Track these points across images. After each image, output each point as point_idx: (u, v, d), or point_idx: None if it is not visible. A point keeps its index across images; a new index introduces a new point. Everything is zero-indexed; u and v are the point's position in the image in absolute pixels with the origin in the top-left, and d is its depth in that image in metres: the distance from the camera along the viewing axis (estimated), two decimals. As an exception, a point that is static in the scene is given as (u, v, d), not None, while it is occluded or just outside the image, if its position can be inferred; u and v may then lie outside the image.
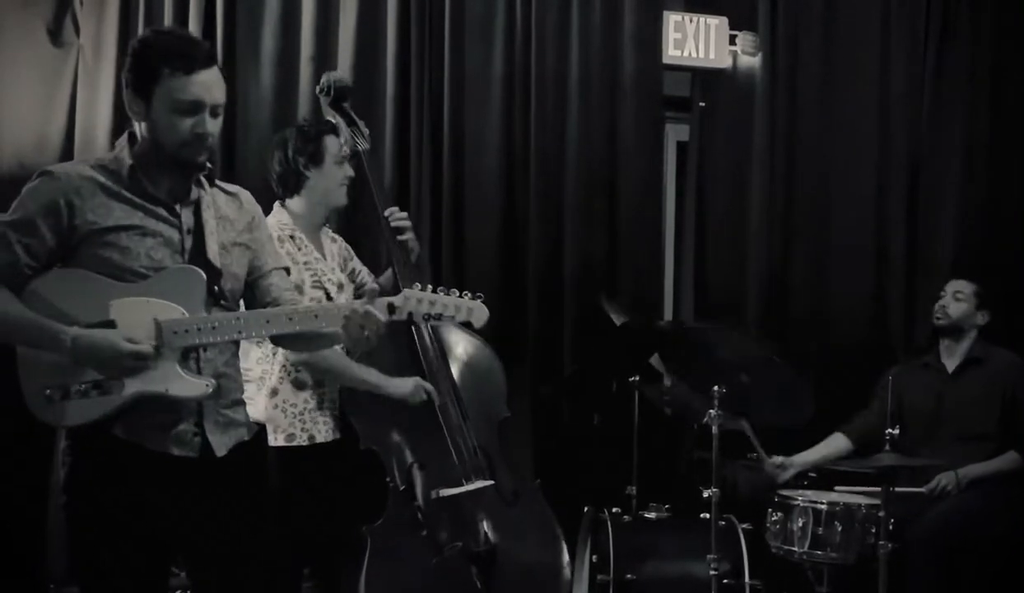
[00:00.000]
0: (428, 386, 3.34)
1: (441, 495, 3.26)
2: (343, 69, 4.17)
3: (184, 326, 2.21)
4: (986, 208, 4.99)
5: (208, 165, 2.35)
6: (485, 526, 3.32)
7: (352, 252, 3.57)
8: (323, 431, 3.27)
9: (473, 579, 3.22)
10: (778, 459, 4.12)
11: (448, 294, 2.29)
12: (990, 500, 3.94)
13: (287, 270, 2.58)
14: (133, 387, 2.21)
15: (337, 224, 4.09)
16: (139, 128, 2.30)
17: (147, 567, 2.29)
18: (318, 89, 3.48)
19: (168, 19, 4.08)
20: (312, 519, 3.16)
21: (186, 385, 2.24)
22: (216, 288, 2.30)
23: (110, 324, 2.18)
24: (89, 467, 2.27)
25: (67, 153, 4.01)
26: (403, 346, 3.38)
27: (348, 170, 3.36)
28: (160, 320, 2.20)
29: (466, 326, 2.38)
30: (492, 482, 3.33)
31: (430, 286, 2.31)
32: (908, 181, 4.95)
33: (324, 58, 4.21)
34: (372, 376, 3.27)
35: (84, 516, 2.27)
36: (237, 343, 2.47)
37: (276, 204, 3.33)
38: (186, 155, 2.26)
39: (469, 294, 2.32)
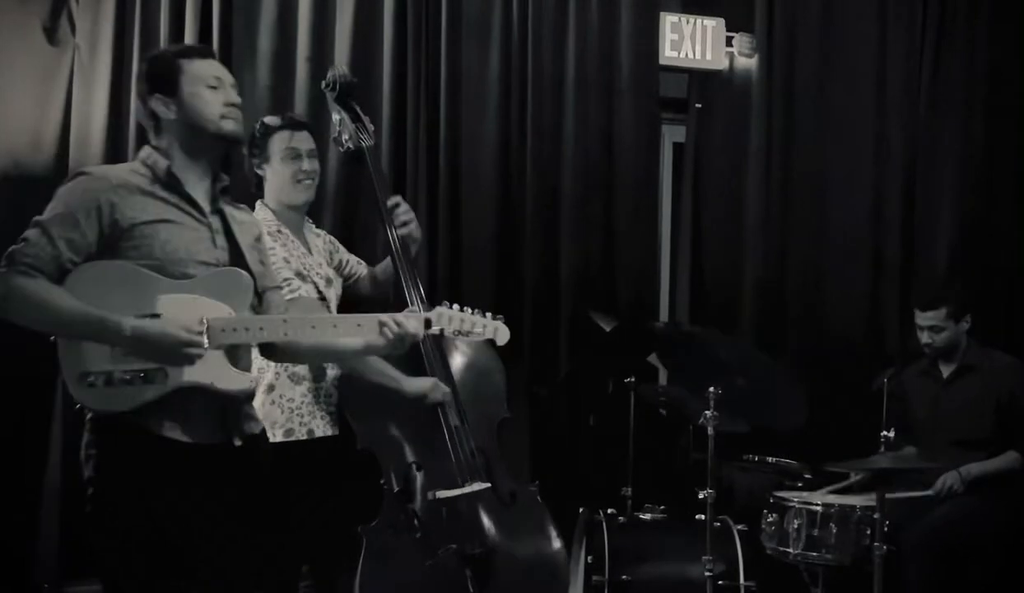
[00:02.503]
0: (446, 388, 3.33)
1: (438, 497, 3.25)
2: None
3: (232, 325, 2.34)
4: (982, 210, 4.99)
5: (226, 178, 2.55)
6: (481, 528, 3.31)
7: (338, 244, 3.56)
8: (321, 425, 3.27)
9: (467, 582, 3.21)
10: None
11: (475, 314, 2.52)
12: (985, 501, 3.94)
13: (279, 288, 2.71)
14: (180, 378, 2.30)
15: (337, 218, 4.11)
16: (160, 137, 2.47)
17: (171, 555, 2.36)
18: (323, 84, 3.47)
19: (164, 18, 4.07)
20: (312, 516, 3.15)
21: (233, 379, 2.38)
22: (258, 292, 2.47)
23: (157, 317, 2.29)
24: (114, 459, 2.35)
25: (62, 152, 4.00)
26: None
27: (304, 164, 3.32)
28: (209, 318, 2.31)
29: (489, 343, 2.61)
30: (489, 485, 3.32)
31: (456, 305, 2.51)
32: (904, 183, 4.96)
33: (321, 58, 4.20)
34: (392, 372, 3.28)
35: (112, 505, 2.35)
36: (266, 350, 2.61)
37: (258, 202, 3.34)
38: (227, 127, 2.45)
39: (491, 314, 2.55)
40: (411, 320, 2.47)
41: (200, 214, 2.46)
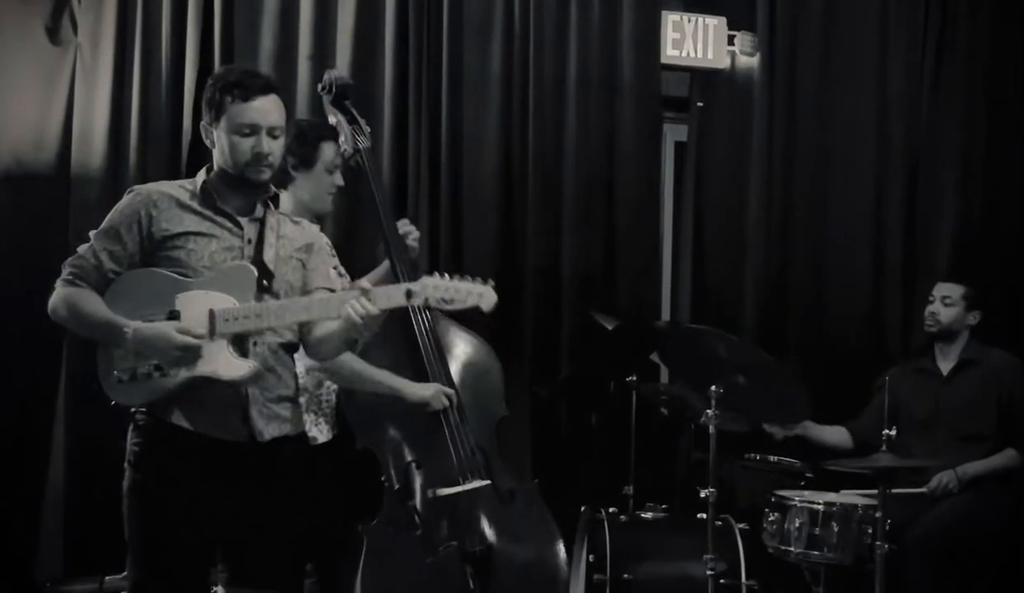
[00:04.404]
0: (449, 391, 3.33)
1: (438, 494, 3.25)
2: (341, 68, 4.16)
3: (233, 314, 2.47)
4: (983, 210, 4.99)
5: (272, 188, 2.65)
6: (481, 526, 3.32)
7: (333, 250, 3.56)
8: (325, 431, 3.28)
9: (467, 579, 3.21)
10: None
11: (463, 280, 2.47)
12: (987, 500, 3.95)
13: (332, 291, 2.75)
14: (190, 370, 2.47)
15: (335, 220, 4.10)
16: (214, 157, 2.61)
17: (196, 539, 2.51)
18: (320, 87, 3.47)
19: (166, 18, 4.07)
20: (309, 518, 3.15)
21: (233, 367, 2.48)
22: (265, 283, 2.54)
23: (176, 313, 2.47)
24: (151, 448, 2.53)
25: (65, 151, 4.01)
26: (401, 346, 3.37)
27: (338, 180, 3.31)
28: (215, 309, 2.46)
29: (475, 310, 2.49)
30: (489, 482, 3.33)
31: (447, 274, 2.47)
32: (906, 182, 4.95)
33: (322, 57, 4.21)
34: (393, 381, 3.28)
35: (144, 486, 2.52)
36: (290, 349, 2.66)
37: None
38: (249, 173, 2.55)
39: (480, 279, 2.48)
40: (392, 292, 2.48)
41: (235, 226, 2.58)
